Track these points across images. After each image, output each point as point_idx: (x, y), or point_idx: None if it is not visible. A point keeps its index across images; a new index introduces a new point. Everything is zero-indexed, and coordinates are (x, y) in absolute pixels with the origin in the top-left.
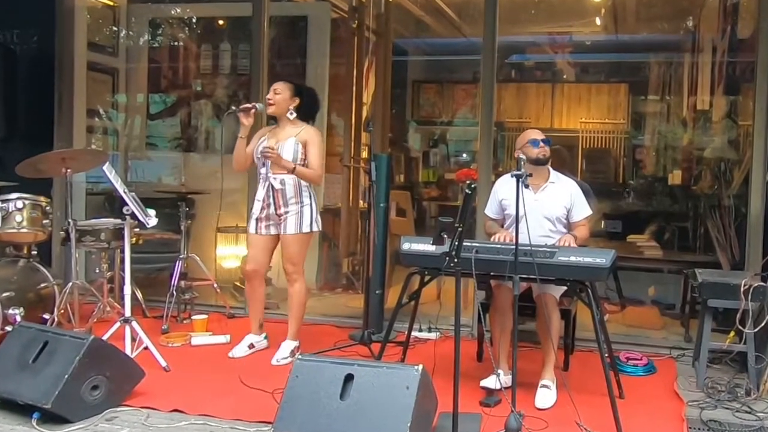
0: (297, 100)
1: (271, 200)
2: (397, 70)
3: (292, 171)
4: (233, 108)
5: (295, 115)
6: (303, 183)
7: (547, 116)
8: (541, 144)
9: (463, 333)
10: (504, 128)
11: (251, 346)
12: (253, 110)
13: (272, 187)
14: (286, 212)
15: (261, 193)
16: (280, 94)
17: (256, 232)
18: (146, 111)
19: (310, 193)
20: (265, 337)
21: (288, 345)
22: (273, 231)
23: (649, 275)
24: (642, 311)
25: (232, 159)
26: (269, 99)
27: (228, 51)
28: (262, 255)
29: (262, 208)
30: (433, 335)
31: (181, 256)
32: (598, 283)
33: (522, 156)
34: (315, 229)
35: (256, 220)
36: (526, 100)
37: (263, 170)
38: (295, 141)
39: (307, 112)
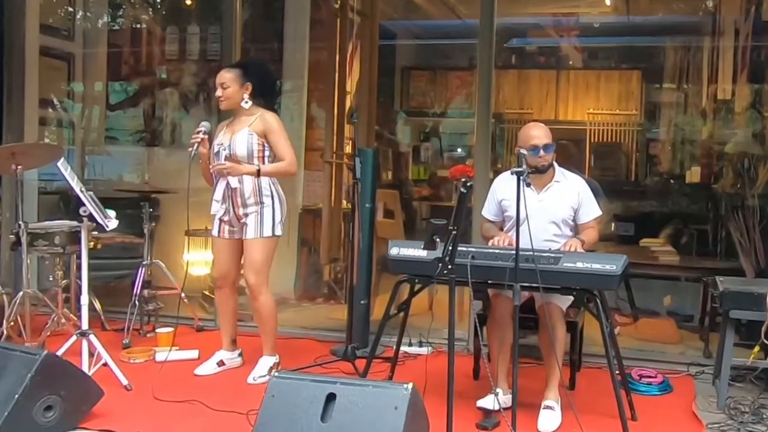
0: (249, 86)
1: (229, 200)
2: (384, 56)
3: (258, 174)
4: (191, 150)
5: (250, 103)
6: (264, 180)
7: (551, 107)
8: (542, 153)
9: (457, 347)
10: (503, 120)
11: (221, 363)
12: (205, 137)
13: (229, 185)
14: (245, 214)
15: (219, 192)
16: (229, 88)
17: (219, 235)
18: (105, 101)
19: (272, 192)
20: (240, 354)
21: (266, 362)
22: (237, 235)
23: (664, 283)
24: (657, 323)
25: (203, 176)
26: (219, 96)
27: (196, 34)
28: (229, 259)
29: (223, 210)
30: (424, 350)
31: (144, 263)
32: (607, 292)
33: (523, 151)
34: (278, 233)
35: (220, 221)
36: (527, 89)
37: None
38: (248, 132)
39: (263, 92)
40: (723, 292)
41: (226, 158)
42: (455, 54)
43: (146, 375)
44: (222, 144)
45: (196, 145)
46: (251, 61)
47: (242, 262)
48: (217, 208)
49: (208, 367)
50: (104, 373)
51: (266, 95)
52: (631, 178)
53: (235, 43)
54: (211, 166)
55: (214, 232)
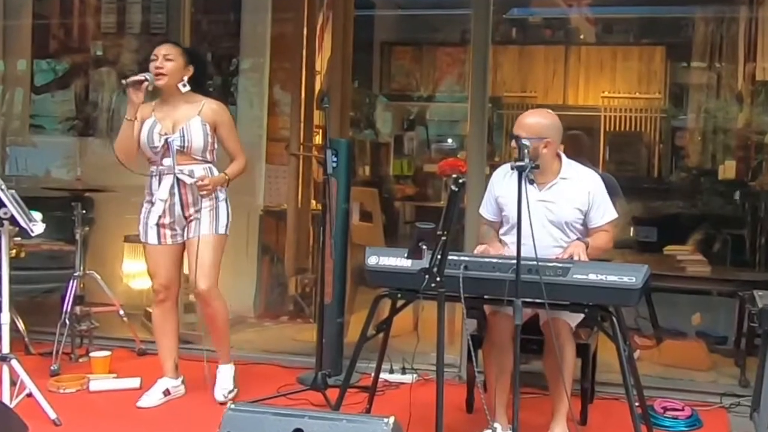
0: (191, 70)
1: (177, 199)
2: (360, 29)
3: (228, 182)
4: (123, 82)
5: (188, 87)
6: (217, 175)
7: (558, 89)
8: (512, 143)
9: (447, 375)
10: (502, 105)
11: (167, 392)
12: (145, 83)
13: (179, 182)
14: (197, 211)
15: (163, 191)
16: (172, 61)
17: (160, 242)
18: (30, 82)
19: (225, 187)
20: (183, 382)
21: (227, 372)
22: (180, 239)
23: (693, 299)
24: (684, 346)
25: (116, 147)
26: (159, 68)
27: (137, 3)
28: (171, 267)
29: (165, 211)
30: (408, 378)
31: (75, 274)
32: (625, 309)
33: (525, 141)
34: (228, 232)
35: (158, 226)
36: (531, 69)
37: (167, 161)
38: (202, 121)
39: (199, 83)
40: (763, 309)
41: (178, 151)
42: (445, 27)
43: (78, 407)
44: (167, 134)
45: (132, 79)
46: (192, 48)
47: (184, 266)
48: (160, 210)
49: (152, 398)
50: (29, 404)
51: (199, 86)
52: (653, 174)
53: (183, 13)
54: (198, 183)
55: (152, 240)
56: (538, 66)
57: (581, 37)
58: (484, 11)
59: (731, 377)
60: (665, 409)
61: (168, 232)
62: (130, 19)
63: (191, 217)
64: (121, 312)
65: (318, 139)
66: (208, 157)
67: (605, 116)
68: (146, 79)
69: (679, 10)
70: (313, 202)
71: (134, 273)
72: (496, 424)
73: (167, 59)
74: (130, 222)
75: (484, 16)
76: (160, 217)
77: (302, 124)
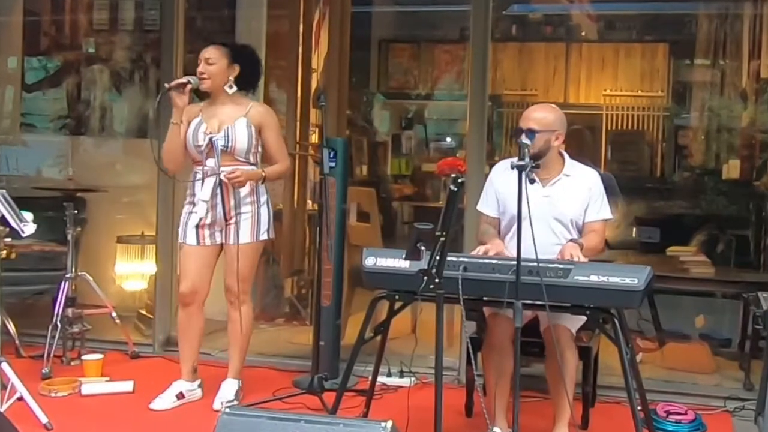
0: (236, 69)
1: (220, 200)
2: (358, 26)
3: (264, 180)
4: (165, 86)
5: (235, 88)
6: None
7: (559, 87)
8: (522, 135)
9: (446, 378)
10: (501, 103)
11: (180, 395)
12: (188, 86)
13: (222, 183)
14: (239, 214)
15: (205, 191)
16: (215, 64)
17: (199, 243)
18: (21, 80)
19: (266, 188)
20: (200, 386)
21: (231, 385)
22: (218, 239)
23: (696, 301)
24: (687, 349)
25: (163, 153)
26: (202, 73)
27: (130, 0)
28: (203, 270)
29: (208, 212)
30: (406, 381)
31: (67, 276)
32: (628, 311)
33: (526, 140)
34: (271, 235)
35: (198, 227)
36: (531, 66)
37: (211, 161)
38: (247, 123)
39: (247, 81)
40: (767, 311)
41: (222, 151)
42: (444, 23)
43: (70, 411)
44: (212, 133)
45: (174, 84)
46: (242, 45)
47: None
48: (203, 210)
49: (165, 401)
50: (19, 408)
51: (248, 85)
52: (655, 174)
53: (177, 10)
54: (224, 176)
55: (191, 241)
56: (538, 63)
57: (582, 34)
58: (483, 8)
59: (735, 380)
60: (668, 413)
61: (207, 233)
62: (123, 16)
63: (232, 221)
64: (114, 314)
65: (314, 138)
66: (252, 159)
67: (607, 114)
68: (189, 82)
69: (682, 7)
70: (309, 202)
71: (127, 274)
72: (495, 429)
73: (209, 63)
74: (122, 222)
75: (484, 12)
76: (201, 218)
77: (298, 123)
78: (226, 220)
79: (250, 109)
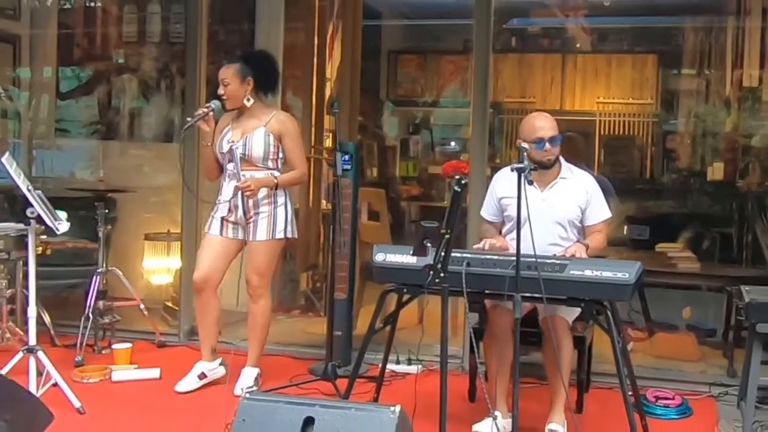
0: (250, 82)
1: (240, 201)
2: (368, 38)
3: (276, 186)
4: (188, 120)
5: (252, 101)
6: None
7: (556, 95)
8: (548, 146)
9: (451, 365)
10: (502, 110)
11: (202, 375)
12: (210, 113)
13: None
14: (257, 214)
15: (228, 192)
16: (230, 85)
17: (221, 234)
18: (55, 89)
19: (285, 190)
20: (221, 363)
21: (250, 372)
22: (240, 235)
23: (683, 294)
24: (675, 339)
25: (202, 167)
26: (221, 95)
27: (157, 14)
28: (218, 260)
29: (230, 210)
30: (413, 368)
31: (98, 270)
32: (619, 303)
33: (525, 145)
34: (290, 235)
35: (223, 219)
36: (529, 75)
37: (230, 166)
38: (265, 132)
39: (265, 86)
40: (749, 303)
41: (240, 158)
42: (448, 36)
43: (101, 396)
44: (234, 142)
45: (197, 117)
46: (252, 52)
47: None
48: (225, 209)
49: (188, 382)
50: (54, 394)
51: (267, 90)
52: (645, 176)
53: (201, 23)
54: (238, 183)
55: (214, 230)
56: (536, 73)
57: (577, 45)
58: (485, 21)
59: (719, 368)
60: (657, 398)
61: (231, 227)
62: (151, 29)
63: (251, 220)
64: (142, 306)
65: (328, 143)
66: (270, 165)
67: (600, 121)
68: (211, 109)
69: (670, 20)
70: (323, 202)
71: (154, 269)
72: (496, 413)
73: (224, 84)
74: (150, 221)
75: (486, 25)
76: (226, 214)
77: (313, 128)
78: (246, 219)
79: (271, 119)
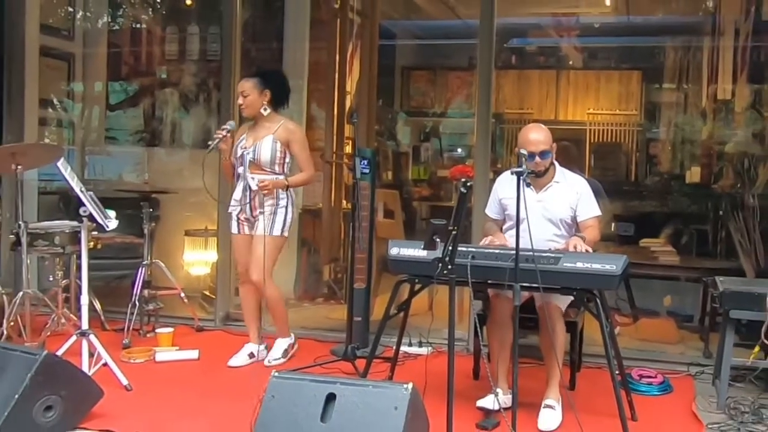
0: (267, 94)
1: (248, 200)
2: (384, 56)
3: (287, 187)
4: (210, 144)
5: (269, 110)
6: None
7: (551, 107)
8: (537, 159)
9: (457, 348)
10: (503, 120)
11: (251, 355)
12: (227, 135)
13: (249, 187)
14: (260, 212)
15: (238, 192)
16: (249, 96)
17: (240, 232)
18: (105, 101)
19: (287, 195)
20: (266, 348)
21: (280, 344)
22: (251, 231)
23: (664, 283)
24: (657, 323)
25: (224, 174)
26: (241, 105)
27: (196, 34)
28: (247, 255)
29: (240, 209)
30: (424, 350)
31: (144, 263)
32: (607, 292)
33: (523, 151)
34: (286, 234)
35: (237, 219)
36: (527, 89)
37: (241, 169)
38: (273, 139)
39: (280, 100)
40: (723, 292)
41: (250, 162)
42: (455, 54)
43: (146, 375)
44: (246, 148)
45: (217, 140)
46: (269, 70)
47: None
48: (235, 207)
49: (240, 359)
50: (104, 373)
51: (282, 102)
52: (631, 179)
53: (234, 43)
54: (257, 184)
55: (234, 230)
56: (533, 87)
57: (570, 62)
58: (488, 41)
59: (696, 350)
60: (641, 376)
61: (245, 224)
62: (190, 48)
63: (256, 217)
64: (182, 295)
65: (348, 149)
66: (277, 169)
67: (590, 130)
68: (227, 131)
69: (653, 40)
70: (344, 202)
71: (193, 261)
72: (498, 389)
73: (243, 95)
74: (189, 218)
75: (488, 45)
76: (238, 213)
77: (335, 137)
78: (253, 217)
79: (279, 127)
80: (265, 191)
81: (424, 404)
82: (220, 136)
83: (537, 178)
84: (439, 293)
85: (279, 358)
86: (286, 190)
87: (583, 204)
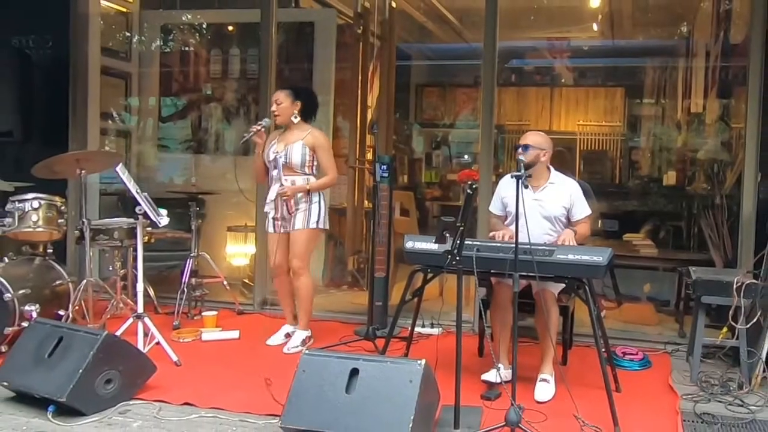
0: (299, 104)
1: (282, 201)
2: (400, 75)
3: (308, 191)
4: (245, 135)
5: (299, 118)
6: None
7: (546, 119)
8: (520, 150)
9: (464, 329)
10: (504, 131)
11: (288, 335)
12: (262, 129)
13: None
14: (297, 210)
15: (272, 194)
16: (282, 104)
17: (275, 230)
18: (158, 114)
19: (320, 192)
20: (295, 330)
21: (299, 335)
22: (287, 229)
23: (644, 273)
24: (638, 308)
25: (254, 171)
26: (274, 111)
27: (237, 56)
28: (282, 251)
29: (276, 208)
30: (435, 331)
31: (191, 254)
32: (595, 280)
33: (522, 157)
34: (321, 226)
35: (273, 219)
36: (525, 104)
37: (275, 172)
38: (302, 144)
39: (308, 112)
40: (696, 280)
41: (283, 165)
42: (462, 73)
43: (193, 352)
44: (278, 152)
45: (252, 132)
46: (299, 86)
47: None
48: (270, 207)
49: (277, 338)
50: (157, 350)
51: (310, 114)
52: (615, 181)
53: (270, 63)
54: (278, 190)
55: (270, 229)
56: (530, 102)
57: (562, 80)
58: (491, 62)
59: (672, 330)
60: (624, 353)
61: (279, 223)
62: (232, 68)
63: (294, 215)
64: (225, 282)
65: (369, 156)
66: (307, 171)
67: (580, 139)
68: (263, 126)
69: (634, 61)
70: (366, 202)
71: (234, 254)
72: (499, 365)
73: (277, 103)
74: (231, 216)
75: (491, 65)
76: (272, 213)
77: (357, 145)
78: (289, 214)
79: (308, 134)
80: (284, 197)
81: (435, 377)
82: (256, 129)
83: (526, 170)
84: (449, 281)
85: (297, 346)
86: (307, 193)
87: (576, 206)
